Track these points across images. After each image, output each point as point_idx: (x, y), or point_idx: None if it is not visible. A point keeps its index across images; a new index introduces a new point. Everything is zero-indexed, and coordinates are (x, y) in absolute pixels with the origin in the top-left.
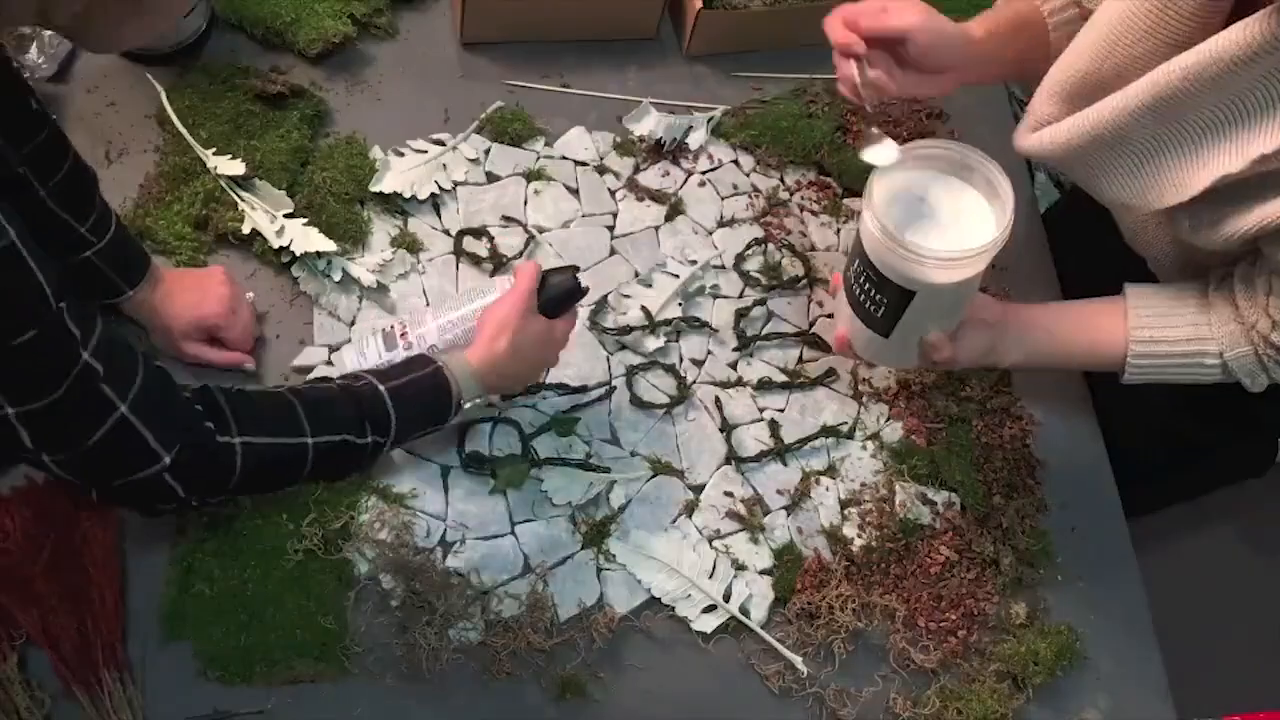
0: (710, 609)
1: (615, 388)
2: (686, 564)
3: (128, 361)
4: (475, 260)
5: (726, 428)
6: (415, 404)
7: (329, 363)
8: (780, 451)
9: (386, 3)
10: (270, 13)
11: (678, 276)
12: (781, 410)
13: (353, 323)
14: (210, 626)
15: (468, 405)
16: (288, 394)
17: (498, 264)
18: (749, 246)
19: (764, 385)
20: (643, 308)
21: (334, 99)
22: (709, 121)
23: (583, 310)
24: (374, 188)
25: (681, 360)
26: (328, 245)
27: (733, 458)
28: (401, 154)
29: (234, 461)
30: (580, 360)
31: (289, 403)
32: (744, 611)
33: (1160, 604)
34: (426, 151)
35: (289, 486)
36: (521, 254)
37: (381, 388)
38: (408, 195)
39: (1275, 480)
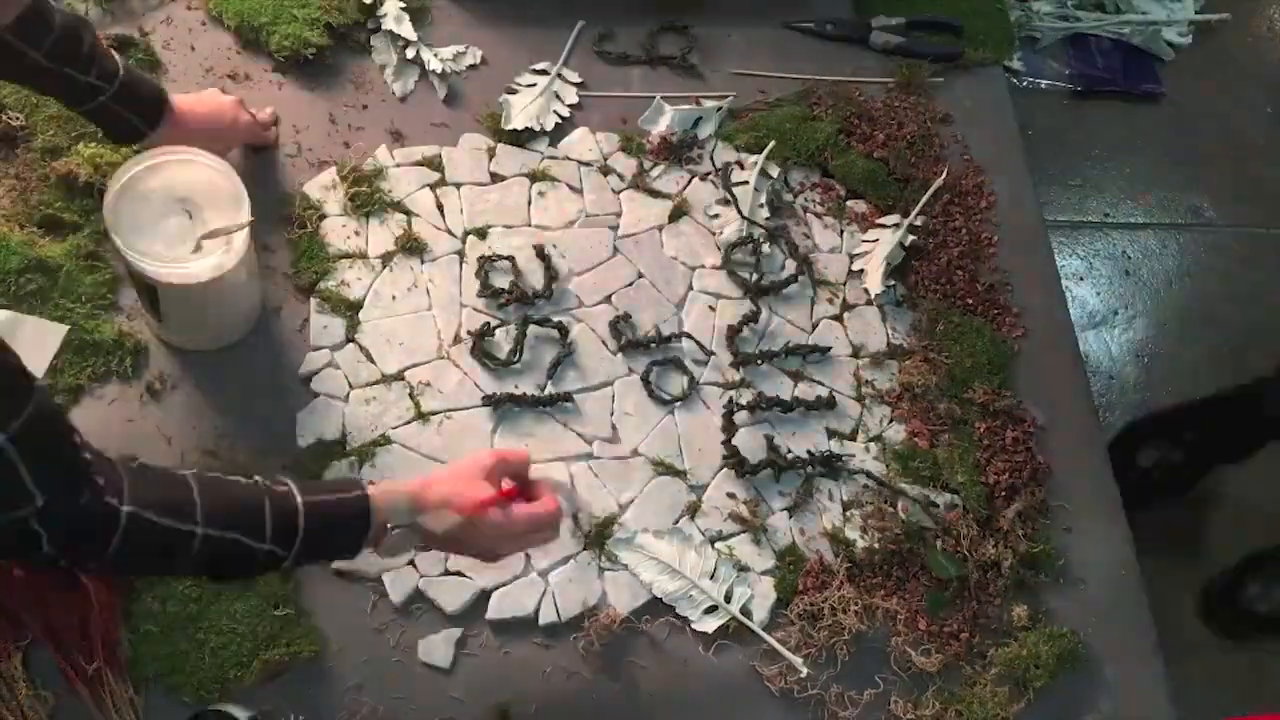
0: (711, 610)
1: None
2: (688, 564)
3: (18, 390)
4: (495, 293)
5: (730, 429)
6: (328, 525)
7: (335, 365)
8: (780, 468)
9: (368, 16)
10: (250, 8)
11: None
12: (786, 413)
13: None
14: (170, 658)
15: (390, 547)
16: (191, 478)
17: (519, 297)
18: (737, 244)
19: (754, 405)
20: (655, 326)
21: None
22: (718, 111)
23: (603, 319)
24: (506, 126)
25: (684, 371)
26: (411, 35)
27: (731, 466)
28: (515, 90)
29: (113, 528)
30: (594, 362)
31: (186, 484)
32: (745, 613)
33: (1162, 605)
34: (536, 85)
35: (167, 574)
36: (548, 294)
37: (299, 498)
38: (537, 129)
39: (1277, 481)
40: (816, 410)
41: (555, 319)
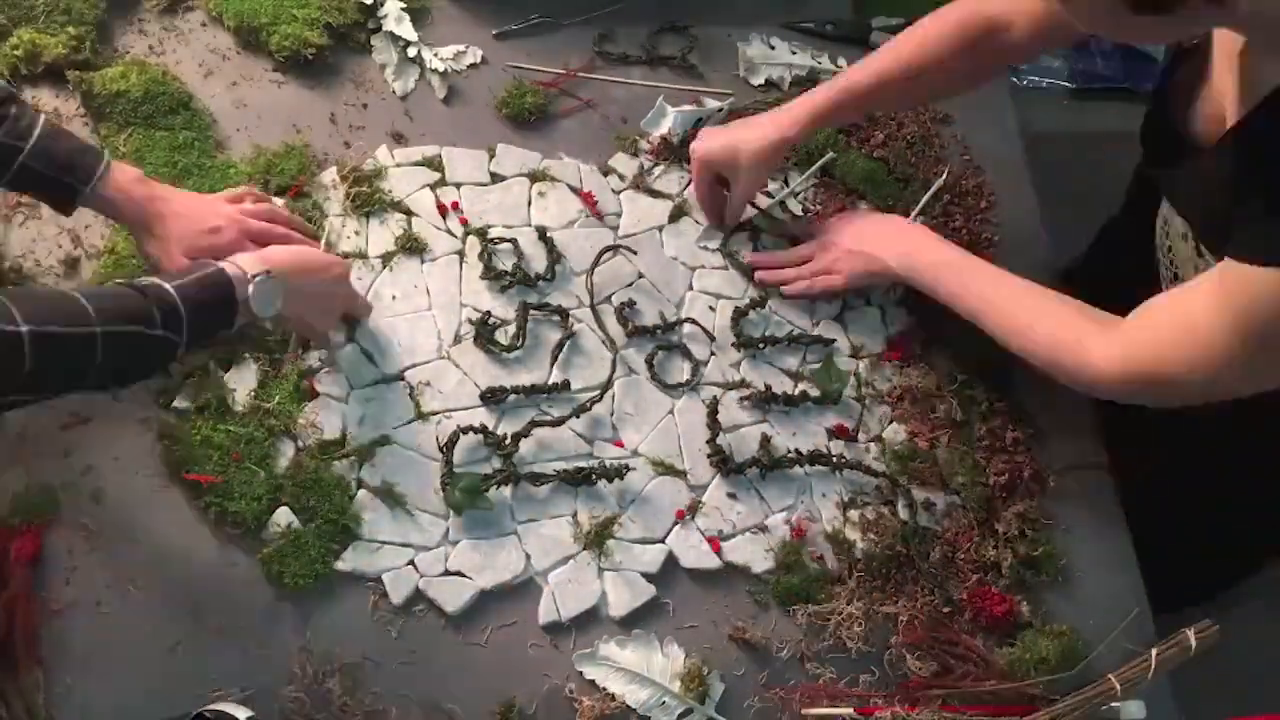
0: (687, 713)
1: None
2: (655, 668)
3: None
4: (497, 275)
5: (714, 427)
6: (203, 300)
7: (335, 365)
8: (765, 466)
9: (368, 16)
10: (250, 8)
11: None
12: (785, 412)
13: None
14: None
15: (258, 309)
16: (73, 291)
17: (523, 280)
18: (736, 230)
19: (758, 399)
20: (660, 313)
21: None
22: (720, 111)
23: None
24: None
25: (689, 357)
26: (411, 35)
27: (716, 464)
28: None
29: (20, 351)
30: (584, 363)
31: (72, 296)
32: (721, 712)
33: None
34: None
35: (88, 383)
36: (550, 277)
37: (167, 285)
38: None
39: None
40: (821, 404)
41: (555, 304)
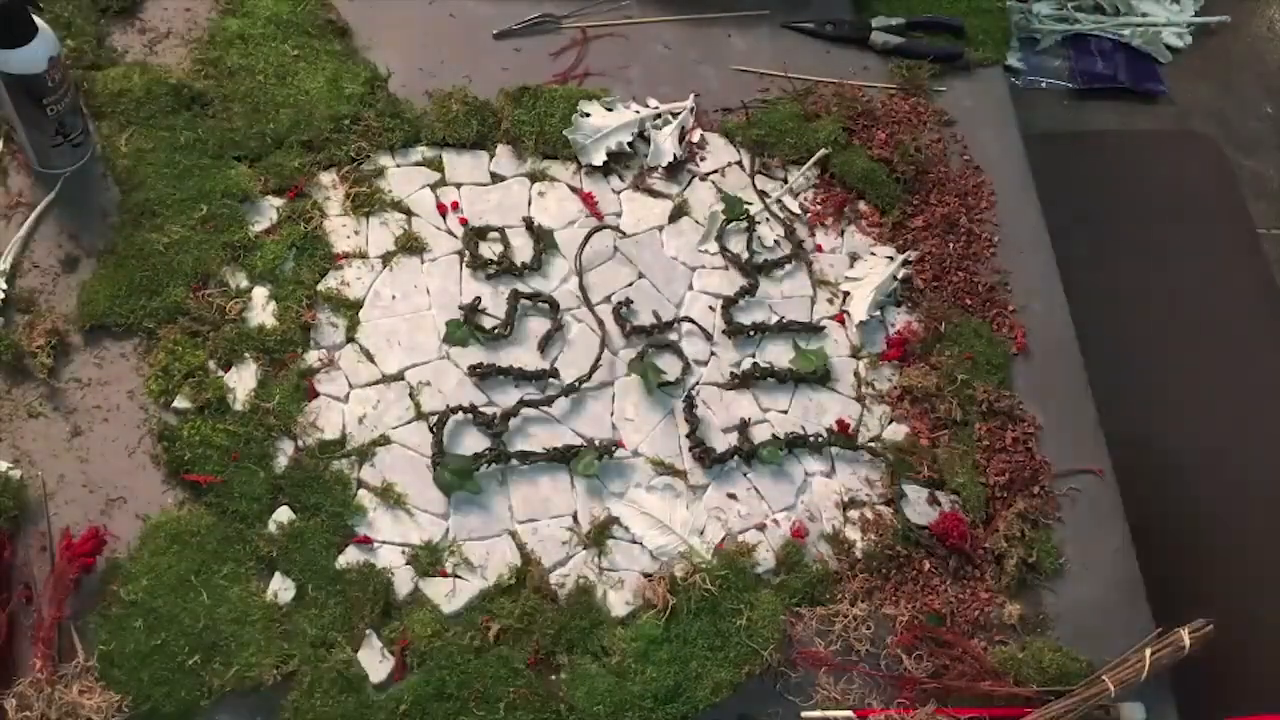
0: None
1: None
2: (678, 520)
3: None
4: (484, 264)
5: (693, 421)
6: None
7: (335, 364)
8: (746, 453)
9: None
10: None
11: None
12: (785, 412)
13: None
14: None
15: None
16: None
17: (508, 269)
18: (728, 221)
19: (751, 377)
20: (654, 313)
21: None
22: (722, 118)
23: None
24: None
25: (680, 355)
26: None
27: (698, 457)
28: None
29: None
30: (577, 356)
31: None
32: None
33: (1163, 607)
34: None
35: None
36: (536, 266)
37: None
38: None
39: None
40: (808, 384)
41: (546, 294)
